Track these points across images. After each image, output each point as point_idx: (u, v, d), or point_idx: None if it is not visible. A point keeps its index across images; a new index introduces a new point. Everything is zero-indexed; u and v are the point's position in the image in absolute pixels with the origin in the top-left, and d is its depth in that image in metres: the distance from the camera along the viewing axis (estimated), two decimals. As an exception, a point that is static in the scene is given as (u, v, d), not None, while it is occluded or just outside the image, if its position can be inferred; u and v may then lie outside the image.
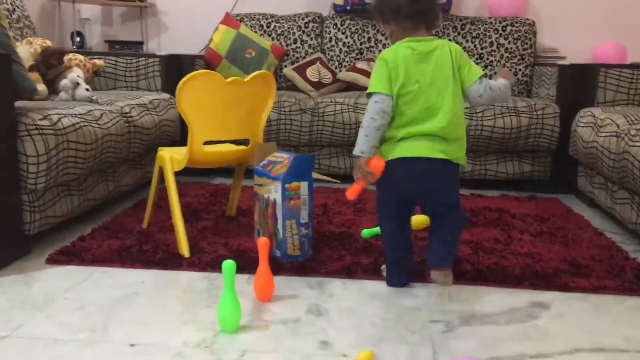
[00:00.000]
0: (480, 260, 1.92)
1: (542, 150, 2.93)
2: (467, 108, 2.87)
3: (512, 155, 2.97)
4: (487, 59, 3.40)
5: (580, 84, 2.87)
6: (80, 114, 2.10)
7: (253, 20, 3.59)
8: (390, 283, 1.75)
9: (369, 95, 1.62)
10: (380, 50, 3.48)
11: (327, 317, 1.54)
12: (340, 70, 3.47)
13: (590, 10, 3.62)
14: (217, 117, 1.94)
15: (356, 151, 1.62)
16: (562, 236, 2.19)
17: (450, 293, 1.70)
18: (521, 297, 1.68)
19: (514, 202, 2.73)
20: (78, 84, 2.40)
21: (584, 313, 1.59)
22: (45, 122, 1.89)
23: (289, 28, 3.56)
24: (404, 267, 1.75)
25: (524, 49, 3.39)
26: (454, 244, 1.68)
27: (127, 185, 2.55)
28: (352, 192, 1.65)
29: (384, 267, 1.80)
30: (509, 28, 3.41)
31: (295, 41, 3.55)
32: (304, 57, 3.53)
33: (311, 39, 3.55)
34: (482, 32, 3.42)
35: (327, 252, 1.98)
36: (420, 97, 1.59)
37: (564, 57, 3.49)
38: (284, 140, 3.03)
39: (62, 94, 2.40)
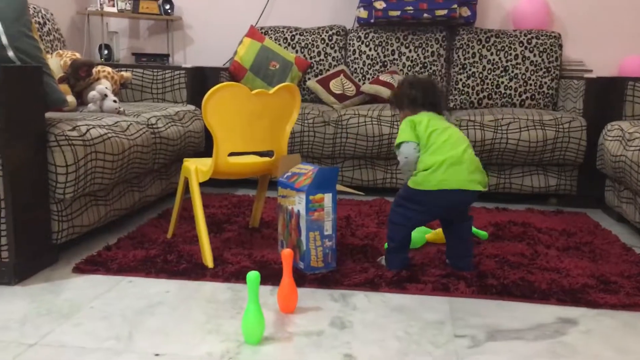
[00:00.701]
0: (506, 274, 1.89)
1: (569, 164, 2.89)
2: (491, 120, 2.85)
3: (538, 169, 2.94)
4: (512, 71, 3.38)
5: (607, 97, 2.83)
6: (108, 125, 2.13)
7: (277, 33, 3.62)
8: (395, 266, 1.92)
9: (398, 144, 1.90)
10: (404, 63, 3.48)
11: (351, 330, 1.53)
12: (363, 83, 3.48)
13: (617, 23, 3.58)
14: (242, 129, 1.96)
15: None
16: (589, 251, 2.16)
17: (476, 307, 1.68)
18: (548, 313, 1.66)
19: (539, 216, 2.70)
20: (106, 95, 2.45)
21: (613, 330, 1.56)
22: (74, 133, 1.92)
23: (313, 41, 3.58)
24: (406, 252, 1.95)
25: (549, 62, 3.36)
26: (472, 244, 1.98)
27: (152, 195, 2.57)
28: None
29: (381, 258, 1.98)
30: (534, 41, 3.38)
31: (319, 54, 3.57)
32: (328, 70, 3.55)
33: (335, 51, 3.57)
34: (507, 45, 3.40)
35: (350, 264, 1.97)
36: (445, 133, 1.86)
37: (590, 70, 3.45)
38: (308, 152, 3.04)
39: (91, 106, 2.45)
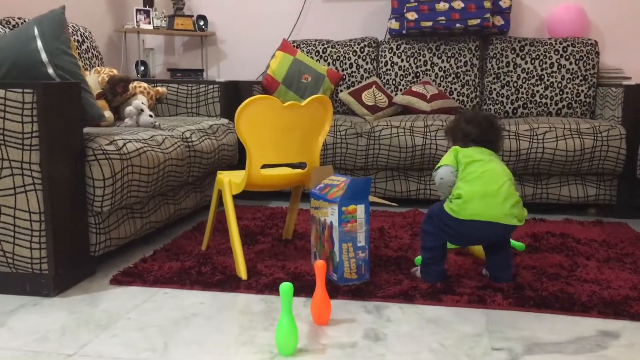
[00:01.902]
0: (544, 286, 1.85)
1: (608, 173, 2.82)
2: (527, 130, 2.80)
3: (576, 178, 2.87)
4: (548, 80, 3.32)
5: (647, 104, 2.76)
6: (144, 139, 2.17)
7: (309, 46, 3.65)
8: (430, 279, 1.89)
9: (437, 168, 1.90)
10: (437, 73, 3.46)
11: (385, 342, 1.51)
12: (396, 94, 3.47)
13: (657, 28, 3.49)
14: (274, 141, 1.97)
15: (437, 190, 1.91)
16: (631, 262, 2.09)
17: (513, 320, 1.65)
18: (588, 326, 1.61)
19: (578, 226, 2.63)
20: (142, 110, 2.50)
21: (658, 344, 1.50)
22: (111, 147, 1.96)
23: (344, 53, 3.60)
24: (442, 265, 1.91)
25: (586, 70, 3.30)
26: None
27: (187, 208, 2.61)
28: None
29: (416, 269, 1.96)
30: (570, 49, 3.33)
31: (351, 66, 3.58)
32: (360, 82, 3.55)
33: (367, 63, 3.57)
34: (542, 53, 3.35)
35: (384, 276, 1.96)
36: (488, 165, 1.85)
37: (629, 77, 3.37)
38: (340, 164, 3.04)
39: (127, 120, 2.50)
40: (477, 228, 1.79)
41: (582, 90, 3.29)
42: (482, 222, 1.78)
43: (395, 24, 3.49)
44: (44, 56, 1.99)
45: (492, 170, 1.82)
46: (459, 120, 1.99)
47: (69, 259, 1.87)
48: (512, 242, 2.23)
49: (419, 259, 2.08)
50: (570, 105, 3.30)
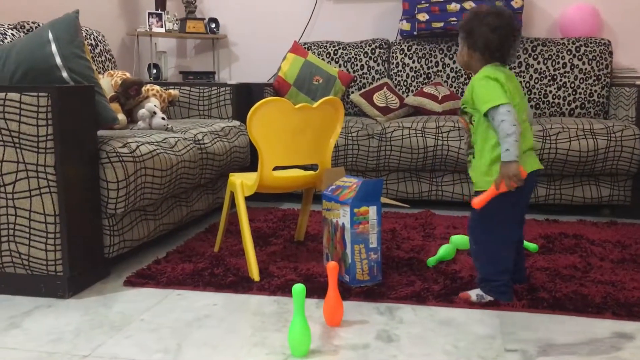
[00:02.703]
0: (558, 287, 1.84)
1: (622, 174, 2.80)
2: (540, 130, 2.79)
3: (589, 179, 2.85)
4: (561, 80, 3.30)
5: (662, 103, 2.74)
6: (157, 142, 2.19)
7: (320, 48, 3.65)
8: (508, 298, 1.73)
9: (495, 107, 1.61)
10: (448, 74, 3.45)
11: (398, 343, 1.51)
12: (407, 95, 3.46)
13: (671, 27, 3.46)
14: (286, 143, 1.98)
15: (511, 157, 1.58)
16: (646, 264, 2.08)
17: (527, 321, 1.64)
18: (603, 327, 1.60)
19: (592, 227, 2.61)
20: (155, 113, 2.51)
21: (674, 346, 1.49)
22: (124, 150, 1.98)
23: (355, 55, 3.60)
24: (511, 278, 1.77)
25: (599, 70, 3.27)
26: None
27: (199, 210, 2.62)
28: (482, 201, 1.65)
29: (478, 293, 1.75)
30: (583, 48, 3.31)
31: (362, 67, 3.58)
32: (371, 83, 3.55)
33: (378, 64, 3.57)
34: (554, 54, 3.33)
35: (396, 277, 1.95)
36: (520, 114, 1.68)
37: (643, 77, 3.35)
38: (352, 165, 3.04)
39: (140, 123, 2.52)
40: (532, 181, 1.70)
41: (596, 91, 3.27)
42: (533, 173, 1.69)
43: (406, 25, 3.49)
44: (58, 60, 2.01)
45: (521, 105, 1.69)
46: (482, 22, 1.69)
47: (84, 261, 1.89)
48: (525, 243, 2.22)
49: (431, 260, 2.08)
50: (583, 106, 3.28)
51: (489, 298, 1.74)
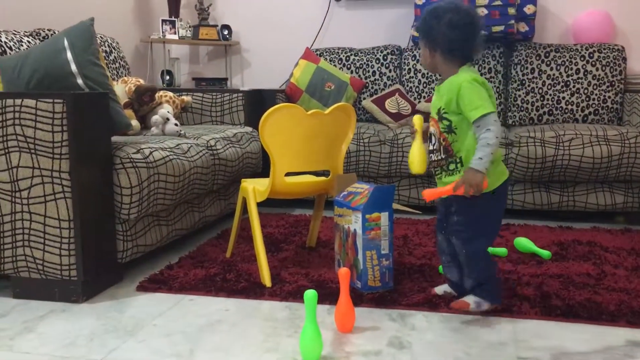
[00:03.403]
0: (571, 295, 1.83)
1: (636, 181, 2.78)
2: (553, 137, 2.77)
3: (603, 186, 2.83)
4: (574, 86, 3.29)
5: (676, 110, 2.71)
6: (170, 148, 2.20)
7: (332, 54, 3.66)
8: (500, 300, 1.73)
9: (485, 115, 1.57)
10: (460, 81, 3.44)
11: (410, 350, 1.51)
12: (419, 101, 3.46)
13: (686, 33, 3.44)
14: (298, 149, 1.98)
15: (481, 167, 1.55)
16: (661, 271, 2.06)
17: (540, 329, 1.63)
18: (617, 336, 1.58)
19: (606, 234, 2.59)
20: (168, 119, 2.53)
21: (689, 354, 1.47)
22: (138, 156, 1.99)
23: (367, 61, 3.60)
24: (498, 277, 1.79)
25: (613, 76, 3.25)
26: None
27: (211, 215, 2.63)
28: (433, 194, 1.64)
29: (475, 300, 1.70)
30: (596, 54, 3.29)
31: (374, 73, 3.58)
32: (383, 89, 3.55)
33: (390, 71, 3.57)
34: (567, 60, 3.32)
35: (408, 283, 1.95)
36: None
37: (657, 83, 3.32)
38: (363, 171, 3.04)
39: (153, 129, 2.54)
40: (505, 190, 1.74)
41: (609, 97, 3.25)
42: (507, 181, 1.70)
43: (418, 32, 3.49)
44: (73, 67, 2.04)
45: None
46: (440, 21, 1.62)
47: (97, 266, 1.91)
48: (539, 249, 2.21)
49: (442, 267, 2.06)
50: (597, 112, 3.26)
51: (486, 304, 1.70)
